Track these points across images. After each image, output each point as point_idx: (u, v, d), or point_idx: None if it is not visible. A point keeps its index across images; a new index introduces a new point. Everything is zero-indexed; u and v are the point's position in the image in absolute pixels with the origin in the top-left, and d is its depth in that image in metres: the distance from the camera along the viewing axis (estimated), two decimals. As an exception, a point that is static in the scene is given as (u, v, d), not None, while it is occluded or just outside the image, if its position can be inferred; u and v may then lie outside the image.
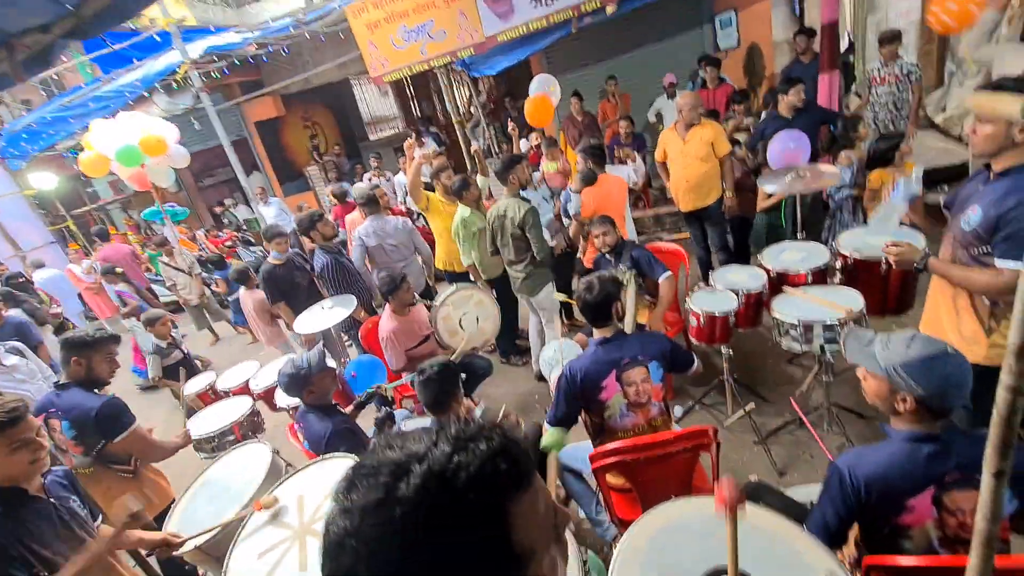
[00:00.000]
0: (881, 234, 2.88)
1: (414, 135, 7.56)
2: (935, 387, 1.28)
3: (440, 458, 0.48)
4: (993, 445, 0.87)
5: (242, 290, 4.60)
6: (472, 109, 8.79)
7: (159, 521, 2.32)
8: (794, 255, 2.99)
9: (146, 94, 7.06)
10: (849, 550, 1.54)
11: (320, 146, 10.22)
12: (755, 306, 2.89)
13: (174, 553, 1.98)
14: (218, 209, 9.91)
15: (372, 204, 4.20)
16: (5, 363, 3.53)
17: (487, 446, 0.49)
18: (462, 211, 3.94)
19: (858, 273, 2.73)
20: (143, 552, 2.00)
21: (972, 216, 1.84)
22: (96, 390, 2.44)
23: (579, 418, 2.35)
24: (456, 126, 6.83)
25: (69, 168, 9.10)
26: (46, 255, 8.26)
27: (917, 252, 2.05)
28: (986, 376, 2.06)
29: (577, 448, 2.42)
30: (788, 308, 2.61)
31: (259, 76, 8.69)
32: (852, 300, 2.52)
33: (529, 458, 0.52)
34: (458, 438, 0.50)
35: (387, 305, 3.45)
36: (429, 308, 3.50)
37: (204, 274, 6.69)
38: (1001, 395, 0.85)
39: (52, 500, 1.76)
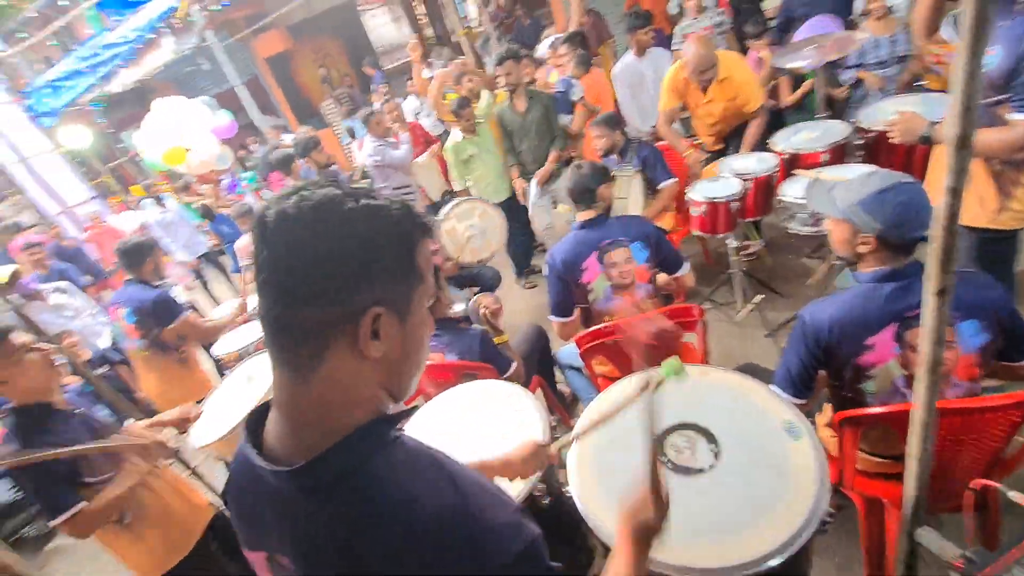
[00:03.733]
0: (905, 104, 2.60)
1: (417, 38, 7.17)
2: (892, 217, 1.19)
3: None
4: (934, 259, 0.80)
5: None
6: (481, 23, 8.25)
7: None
8: (809, 135, 2.76)
9: (152, 36, 7.01)
10: (824, 419, 1.51)
11: (332, 79, 10.00)
12: (764, 192, 2.72)
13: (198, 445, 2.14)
14: (241, 153, 10.02)
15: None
16: (52, 302, 3.83)
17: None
18: (454, 135, 3.86)
19: (879, 147, 2.50)
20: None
21: (989, 58, 1.60)
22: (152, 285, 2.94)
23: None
24: (464, 39, 6.45)
25: (97, 123, 9.34)
26: (90, 210, 8.65)
27: (921, 122, 1.77)
28: (996, 242, 1.87)
29: (574, 346, 2.44)
30: (796, 190, 2.44)
31: (263, 8, 8.44)
32: (867, 175, 2.33)
33: (429, 220, 0.67)
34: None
35: None
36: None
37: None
38: (944, 201, 0.77)
39: (80, 410, 1.79)
